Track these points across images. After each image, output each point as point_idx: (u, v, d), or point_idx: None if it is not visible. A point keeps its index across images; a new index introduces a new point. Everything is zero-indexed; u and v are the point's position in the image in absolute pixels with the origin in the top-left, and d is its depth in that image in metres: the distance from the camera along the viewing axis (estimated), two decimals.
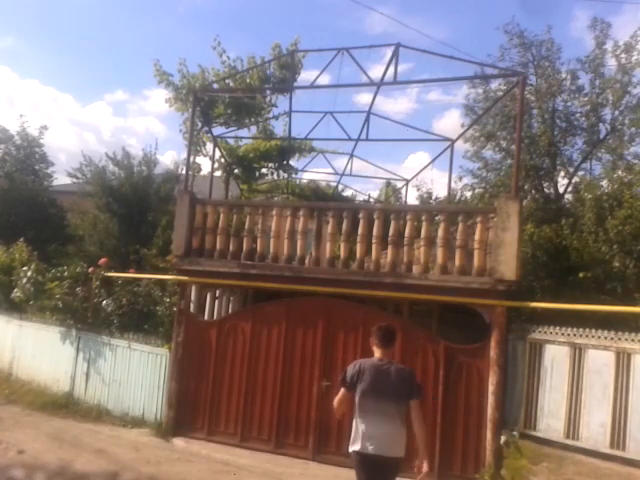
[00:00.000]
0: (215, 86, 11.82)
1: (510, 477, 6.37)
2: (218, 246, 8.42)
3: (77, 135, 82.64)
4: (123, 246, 16.02)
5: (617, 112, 17.19)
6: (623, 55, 16.59)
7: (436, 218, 7.78)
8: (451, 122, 61.72)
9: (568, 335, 6.47)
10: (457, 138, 12.24)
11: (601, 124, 17.55)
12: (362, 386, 4.26)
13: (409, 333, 7.55)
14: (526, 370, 6.82)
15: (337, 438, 7.59)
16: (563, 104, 17.87)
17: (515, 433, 6.64)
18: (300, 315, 8.04)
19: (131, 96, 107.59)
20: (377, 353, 4.48)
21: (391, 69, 8.54)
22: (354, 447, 4.28)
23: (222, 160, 14.55)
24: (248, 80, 12.24)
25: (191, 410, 8.27)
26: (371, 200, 20.66)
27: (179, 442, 8.03)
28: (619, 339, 6.03)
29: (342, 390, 4.41)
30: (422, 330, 7.72)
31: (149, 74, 14.97)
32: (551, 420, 6.47)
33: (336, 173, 16.61)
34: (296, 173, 16.48)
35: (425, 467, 4.18)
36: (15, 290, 11.37)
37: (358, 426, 4.28)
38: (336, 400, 4.45)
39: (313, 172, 23.00)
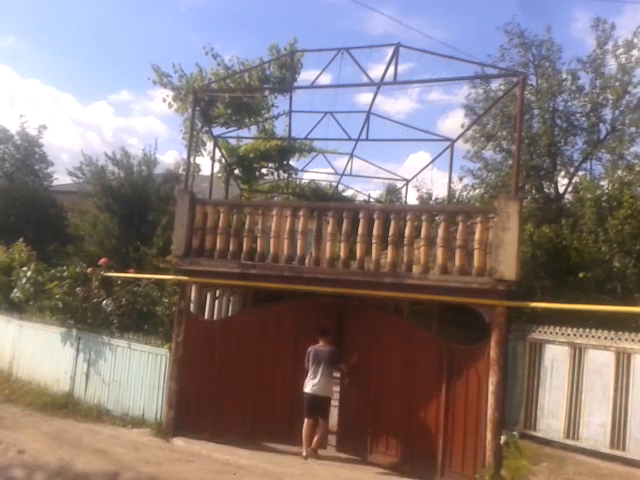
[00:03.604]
0: (214, 86, 11.80)
1: (510, 477, 6.37)
2: (218, 246, 8.41)
3: (80, 135, 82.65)
4: (123, 246, 16.01)
5: (617, 112, 17.20)
6: (623, 55, 16.61)
7: (436, 218, 7.78)
8: (455, 122, 61.77)
9: (568, 335, 6.46)
10: (457, 138, 12.23)
11: (601, 124, 17.57)
12: (311, 359, 7.63)
13: (415, 335, 7.69)
14: (526, 370, 6.81)
15: (338, 438, 7.64)
16: (563, 104, 17.89)
17: (515, 433, 6.64)
18: (309, 315, 8.14)
19: (136, 96, 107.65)
20: (320, 341, 7.73)
21: (391, 69, 8.55)
22: (305, 390, 7.58)
23: (222, 160, 14.55)
24: (248, 80, 12.22)
25: (191, 410, 8.26)
26: (371, 200, 20.65)
27: (179, 442, 8.03)
28: (619, 339, 6.02)
29: (306, 360, 7.70)
30: (428, 332, 7.78)
31: (151, 74, 14.81)
32: (551, 420, 6.46)
33: (336, 173, 16.63)
34: (296, 173, 16.49)
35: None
36: (15, 290, 11.37)
37: (308, 379, 7.58)
38: (306, 364, 7.72)
39: (313, 172, 22.96)
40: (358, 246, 7.91)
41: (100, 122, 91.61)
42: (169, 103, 12.69)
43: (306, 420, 7.55)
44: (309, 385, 7.54)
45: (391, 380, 7.62)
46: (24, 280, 11.12)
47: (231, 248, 8.35)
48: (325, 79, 55.49)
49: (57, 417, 8.99)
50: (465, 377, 7.20)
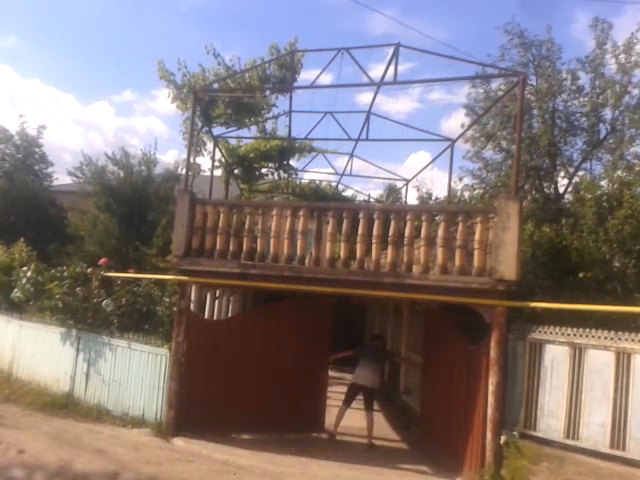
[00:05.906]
0: (215, 86, 11.80)
1: (510, 477, 6.36)
2: (218, 246, 8.40)
3: (83, 135, 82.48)
4: (123, 246, 16.01)
5: (617, 112, 17.20)
6: (623, 55, 16.61)
7: (436, 218, 7.78)
8: (459, 121, 61.72)
9: (568, 335, 6.46)
10: (457, 138, 12.23)
11: (601, 124, 17.57)
12: (362, 356, 8.81)
13: (452, 339, 7.91)
14: (526, 370, 6.81)
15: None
16: (563, 104, 17.89)
17: (515, 433, 6.63)
18: (312, 315, 8.22)
19: (139, 96, 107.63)
20: (372, 343, 9.29)
21: (391, 69, 8.55)
22: (353, 381, 8.75)
23: (222, 160, 14.55)
24: (248, 80, 12.23)
25: (191, 410, 8.25)
26: (371, 200, 20.64)
27: (179, 442, 8.02)
28: (619, 339, 6.02)
29: (351, 351, 9.12)
30: (460, 335, 7.84)
31: (155, 74, 14.86)
32: (551, 420, 6.46)
33: (336, 173, 16.65)
34: (296, 173, 16.50)
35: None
36: (15, 290, 11.37)
37: (358, 372, 8.66)
38: (341, 354, 9.19)
39: (313, 172, 22.93)
40: (358, 246, 7.90)
41: (101, 122, 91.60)
42: (172, 98, 12.74)
43: (341, 406, 8.66)
44: (357, 376, 8.68)
45: (441, 378, 8.08)
46: (24, 280, 11.11)
47: (231, 248, 8.35)
48: (325, 79, 55.53)
49: (57, 417, 8.99)
50: (469, 377, 7.24)
